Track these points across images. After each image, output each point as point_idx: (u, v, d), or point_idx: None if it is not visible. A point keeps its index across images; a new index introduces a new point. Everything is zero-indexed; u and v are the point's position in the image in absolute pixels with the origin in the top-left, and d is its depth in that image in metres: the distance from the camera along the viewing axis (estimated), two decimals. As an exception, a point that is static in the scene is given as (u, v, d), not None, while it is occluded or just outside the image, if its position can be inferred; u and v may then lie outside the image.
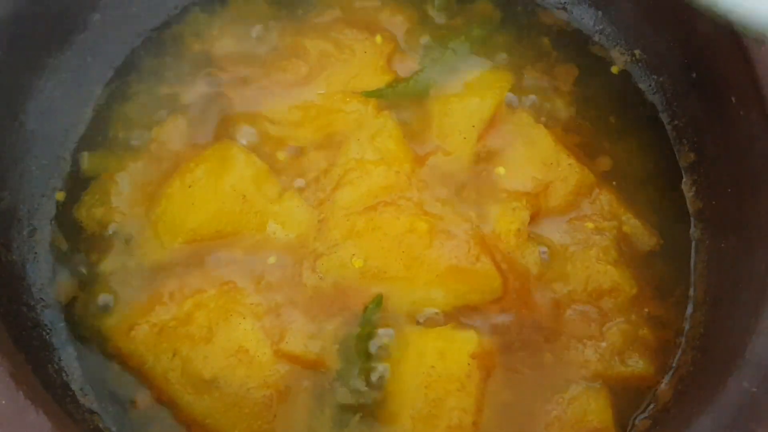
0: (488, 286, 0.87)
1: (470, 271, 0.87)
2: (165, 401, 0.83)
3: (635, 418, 0.85)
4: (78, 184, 0.94)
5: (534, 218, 0.91)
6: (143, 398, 0.84)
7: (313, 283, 0.87)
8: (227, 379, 0.82)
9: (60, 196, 0.93)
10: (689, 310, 0.89)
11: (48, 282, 0.89)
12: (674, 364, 0.87)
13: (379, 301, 0.86)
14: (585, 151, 0.96)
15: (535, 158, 0.94)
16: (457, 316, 0.87)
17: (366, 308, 0.86)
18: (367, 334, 0.85)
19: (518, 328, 0.87)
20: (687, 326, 0.89)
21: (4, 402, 0.62)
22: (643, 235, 0.92)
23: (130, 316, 0.86)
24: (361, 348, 0.85)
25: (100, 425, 0.82)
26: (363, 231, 0.88)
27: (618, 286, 0.88)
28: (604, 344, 0.86)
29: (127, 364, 0.85)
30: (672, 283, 0.91)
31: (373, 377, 0.84)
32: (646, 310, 0.89)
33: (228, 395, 0.82)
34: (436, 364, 0.83)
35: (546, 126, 0.95)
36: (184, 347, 0.83)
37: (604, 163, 0.96)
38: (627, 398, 0.86)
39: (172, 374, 0.83)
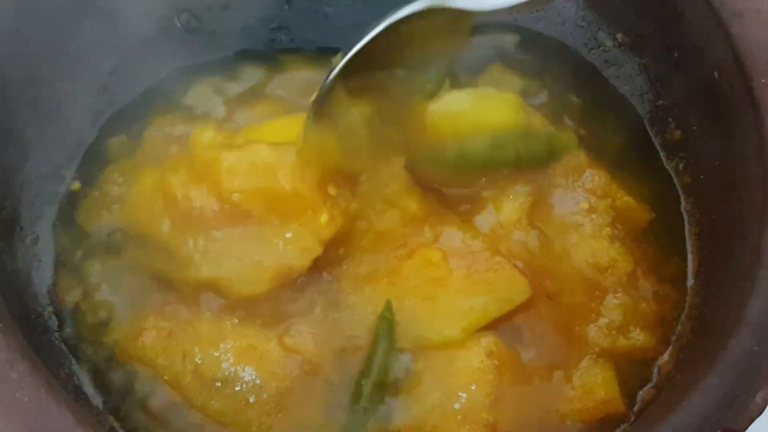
0: (516, 290, 0.86)
1: (495, 279, 0.86)
2: (178, 402, 0.83)
3: (641, 389, 0.87)
4: (78, 190, 0.94)
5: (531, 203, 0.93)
6: (156, 400, 0.84)
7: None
8: (239, 377, 0.82)
9: (75, 186, 0.94)
10: (686, 281, 0.92)
11: (53, 289, 0.89)
12: (674, 335, 0.89)
13: (389, 307, 0.84)
14: (576, 133, 0.98)
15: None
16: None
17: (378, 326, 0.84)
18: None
19: (525, 310, 0.88)
20: (685, 297, 0.91)
21: (26, 399, 0.63)
22: (636, 211, 0.94)
23: (137, 322, 0.86)
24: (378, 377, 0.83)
25: (115, 425, 0.82)
26: (380, 290, 0.86)
27: (615, 262, 0.90)
28: (606, 320, 0.87)
29: (137, 368, 0.85)
30: (667, 256, 0.93)
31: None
32: (644, 284, 0.91)
33: (241, 393, 0.82)
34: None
35: (536, 109, 0.97)
36: (193, 349, 0.83)
37: (595, 143, 0.98)
38: (631, 370, 0.87)
39: (183, 377, 0.83)
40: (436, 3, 0.79)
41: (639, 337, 0.87)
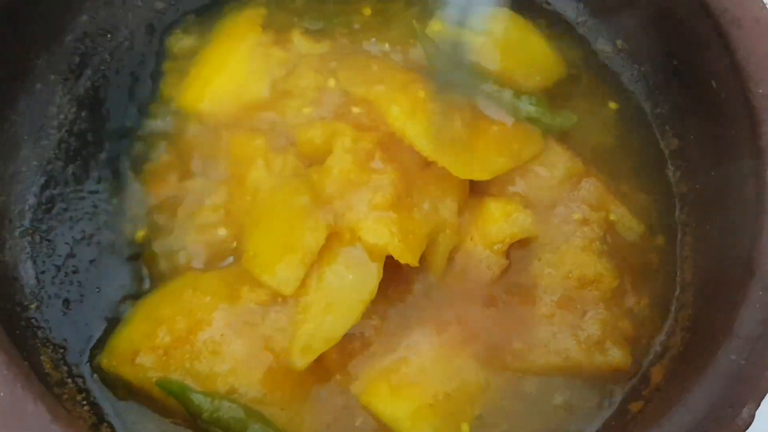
0: None
1: None
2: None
3: (628, 401, 0.86)
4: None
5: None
6: (145, 396, 0.83)
7: None
8: (244, 386, 0.81)
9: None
10: (677, 292, 0.91)
11: (40, 282, 0.88)
12: (663, 346, 0.88)
13: None
14: (572, 140, 0.96)
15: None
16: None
17: None
18: None
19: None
20: (675, 308, 0.90)
21: (2, 394, 0.62)
22: (630, 222, 0.93)
23: (132, 341, 0.83)
24: None
25: (96, 421, 0.82)
26: None
27: (601, 277, 0.88)
28: (584, 333, 0.86)
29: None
30: (659, 267, 0.92)
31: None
32: (629, 299, 0.90)
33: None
34: None
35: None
36: (193, 366, 0.81)
37: (591, 150, 0.97)
38: (617, 383, 0.87)
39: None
40: None
41: (615, 354, 0.86)
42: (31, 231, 0.90)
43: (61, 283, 0.88)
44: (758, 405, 0.69)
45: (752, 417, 0.68)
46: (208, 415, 0.79)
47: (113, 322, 0.86)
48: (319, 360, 0.81)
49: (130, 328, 0.84)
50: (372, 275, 0.81)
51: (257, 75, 0.95)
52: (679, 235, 0.93)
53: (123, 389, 0.83)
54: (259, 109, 0.94)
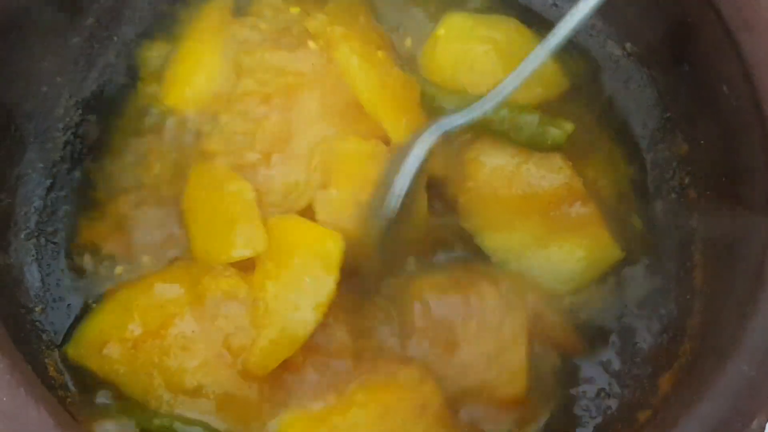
0: None
1: None
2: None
3: (635, 410, 0.85)
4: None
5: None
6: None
7: None
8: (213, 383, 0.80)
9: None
10: (686, 299, 0.90)
11: (45, 285, 0.88)
12: (672, 355, 0.87)
13: None
14: (578, 146, 0.95)
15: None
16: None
17: None
18: None
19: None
20: (684, 316, 0.89)
21: (5, 399, 0.62)
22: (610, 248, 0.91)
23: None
24: None
25: (99, 425, 0.81)
26: None
27: None
28: None
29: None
30: (668, 274, 0.92)
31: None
32: None
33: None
34: None
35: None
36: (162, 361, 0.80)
37: (598, 154, 0.97)
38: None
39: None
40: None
41: None
42: (36, 233, 0.90)
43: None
44: (768, 417, 0.68)
45: (763, 429, 0.68)
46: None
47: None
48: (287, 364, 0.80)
49: (99, 318, 0.83)
50: (329, 278, 0.79)
51: (232, 65, 0.92)
52: (688, 241, 0.92)
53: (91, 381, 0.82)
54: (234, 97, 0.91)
